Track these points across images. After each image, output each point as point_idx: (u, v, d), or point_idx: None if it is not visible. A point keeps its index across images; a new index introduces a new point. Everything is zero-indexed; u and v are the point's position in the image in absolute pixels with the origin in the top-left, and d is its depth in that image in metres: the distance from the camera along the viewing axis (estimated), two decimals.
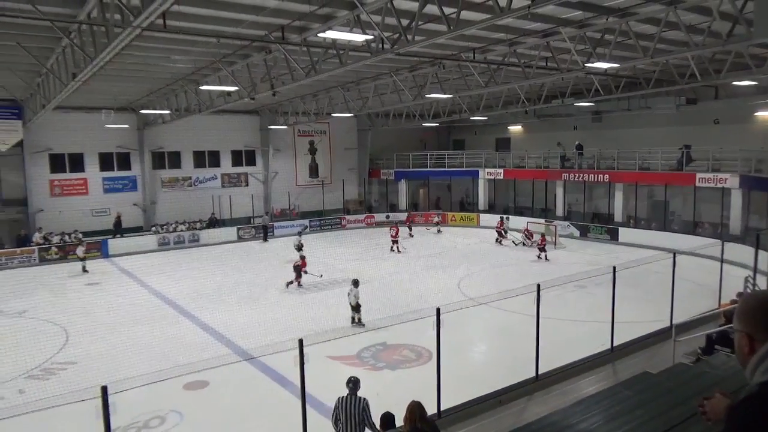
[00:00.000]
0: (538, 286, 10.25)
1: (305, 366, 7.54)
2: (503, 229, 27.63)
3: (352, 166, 36.66)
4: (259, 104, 29.03)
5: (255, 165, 33.40)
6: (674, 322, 11.87)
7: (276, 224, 31.43)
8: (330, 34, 12.42)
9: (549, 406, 8.96)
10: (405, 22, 11.74)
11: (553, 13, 13.12)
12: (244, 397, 10.72)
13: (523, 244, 26.13)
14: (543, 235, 24.24)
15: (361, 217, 34.31)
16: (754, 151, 22.22)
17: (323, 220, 33.15)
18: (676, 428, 5.60)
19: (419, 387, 9.23)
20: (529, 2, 9.17)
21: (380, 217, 34.40)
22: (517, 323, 13.37)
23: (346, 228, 33.16)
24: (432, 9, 10.92)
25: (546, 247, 23.40)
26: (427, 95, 21.35)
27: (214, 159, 32.15)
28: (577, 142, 29.46)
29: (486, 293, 14.39)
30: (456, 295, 17.16)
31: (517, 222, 28.87)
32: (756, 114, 23.54)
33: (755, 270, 14.48)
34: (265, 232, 30.55)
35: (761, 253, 14.89)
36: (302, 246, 23.65)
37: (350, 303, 14.84)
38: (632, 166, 27.15)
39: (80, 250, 23.92)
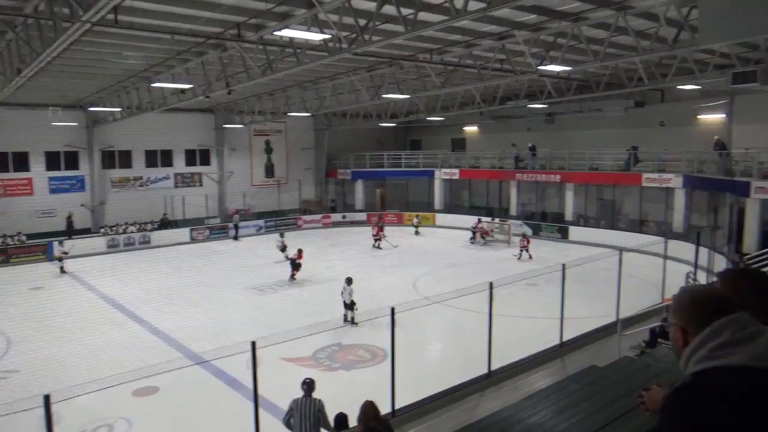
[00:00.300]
0: (491, 284, 10.44)
1: (258, 369, 7.45)
2: (479, 229, 27.78)
3: (309, 166, 36.43)
4: (214, 102, 28.50)
5: (209, 165, 32.71)
6: (620, 317, 12.28)
7: (229, 224, 30.90)
8: (287, 33, 12.32)
9: (501, 401, 9.14)
10: (363, 22, 11.75)
11: (508, 16, 13.37)
12: (196, 403, 10.50)
13: (474, 241, 26.69)
14: (525, 236, 24.48)
15: (318, 217, 34.12)
16: (696, 153, 23.20)
17: (279, 220, 32.79)
18: (620, 419, 5.79)
19: (374, 387, 9.26)
20: (485, 5, 9.33)
21: (337, 217, 34.31)
22: (471, 321, 13.56)
23: (302, 228, 32.90)
24: (390, 9, 10.97)
25: (529, 248, 23.53)
26: (385, 95, 21.42)
27: (167, 158, 31.32)
28: (530, 144, 30.11)
29: (442, 292, 14.55)
30: (412, 294, 17.27)
31: (471, 221, 29.25)
32: (698, 117, 24.58)
33: (696, 266, 15.15)
34: (236, 231, 30.39)
35: (701, 249, 15.58)
36: (286, 247, 23.41)
37: (344, 301, 14.79)
38: (583, 167, 27.95)
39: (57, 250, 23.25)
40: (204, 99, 19.39)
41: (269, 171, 35.05)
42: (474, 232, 27.73)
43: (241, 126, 31.40)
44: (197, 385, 11.00)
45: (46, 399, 5.85)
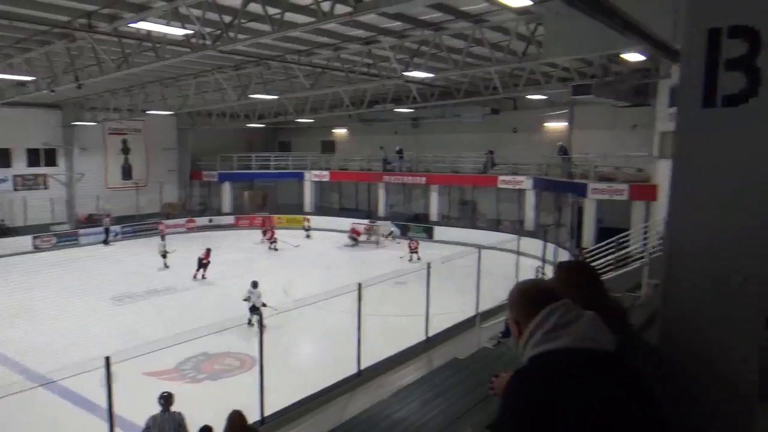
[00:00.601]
0: (359, 285, 10.60)
1: (114, 386, 6.91)
2: (363, 231, 27.83)
3: (172, 168, 34.37)
4: (62, 97, 25.75)
5: (56, 165, 29.56)
6: (479, 310, 13.10)
7: (81, 231, 28.29)
8: (144, 26, 11.56)
9: (370, 399, 9.32)
10: (228, 18, 11.37)
11: (374, 22, 13.68)
12: (40, 430, 9.45)
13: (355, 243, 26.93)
14: (413, 239, 24.79)
15: (182, 221, 32.33)
16: (544, 157, 25.46)
17: (137, 225, 30.57)
18: (479, 405, 6.19)
19: (243, 395, 9.01)
20: (351, 9, 9.47)
21: (203, 221, 32.78)
22: (341, 322, 13.68)
23: (165, 233, 30.93)
24: (256, 8, 10.72)
25: (418, 250, 23.43)
26: (252, 95, 20.89)
27: (5, 158, 27.70)
28: (397, 147, 31.08)
29: (312, 294, 14.50)
30: (282, 298, 17.00)
31: (343, 223, 29.52)
32: (545, 124, 27.02)
33: (544, 260, 16.62)
34: (107, 235, 28.37)
35: (549, 245, 17.13)
36: (167, 252, 22.18)
37: (255, 305, 14.39)
38: (445, 169, 29.43)
39: None
40: (49, 93, 17.52)
41: (127, 173, 32.52)
42: (354, 237, 27.84)
43: (94, 124, 28.73)
44: (42, 411, 9.88)
45: None
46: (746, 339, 2.02)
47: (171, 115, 28.90)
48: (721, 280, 2.02)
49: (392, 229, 28.70)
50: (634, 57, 14.05)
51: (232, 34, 11.28)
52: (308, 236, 30.06)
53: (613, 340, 1.60)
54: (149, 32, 12.74)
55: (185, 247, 24.83)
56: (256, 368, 9.48)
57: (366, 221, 29.53)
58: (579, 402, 1.44)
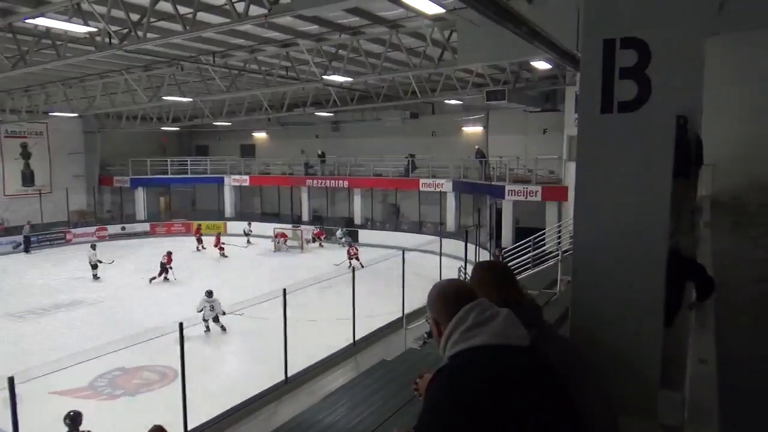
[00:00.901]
0: (284, 291, 10.47)
1: (20, 407, 6.42)
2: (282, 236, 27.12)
3: (79, 173, 32.32)
4: None
5: None
6: (405, 312, 13.28)
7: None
8: (42, 22, 10.81)
9: (298, 405, 9.21)
10: (135, 17, 10.87)
11: (290, 24, 13.55)
12: None
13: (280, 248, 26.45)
14: (352, 245, 24.11)
15: (92, 229, 30.50)
16: (462, 160, 26.19)
17: (42, 234, 28.52)
18: (406, 406, 6.27)
19: (165, 410, 8.65)
20: (266, 11, 9.33)
21: (115, 228, 31.08)
22: (266, 329, 13.44)
23: (72, 243, 29.09)
24: (166, 6, 10.31)
25: (359, 256, 22.31)
26: (165, 97, 20.08)
27: None
28: (319, 150, 30.92)
29: (236, 302, 14.12)
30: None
31: (265, 228, 28.94)
32: (463, 128, 27.82)
33: (465, 260, 17.09)
34: (27, 243, 26.79)
35: (470, 246, 17.64)
36: (98, 263, 21.03)
37: (211, 317, 14.39)
38: (368, 173, 29.60)
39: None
40: None
41: (28, 179, 30.26)
42: (277, 241, 27.30)
43: None
44: None
45: None
46: (648, 330, 2.18)
47: (77, 117, 27.20)
48: (622, 275, 2.17)
49: (342, 236, 27.71)
50: (542, 65, 14.79)
51: (140, 33, 10.79)
52: (249, 242, 28.74)
53: (527, 336, 1.66)
54: (48, 29, 11.95)
55: (82, 258, 23.52)
56: (178, 380, 9.12)
57: (289, 226, 29.15)
58: (496, 396, 1.49)
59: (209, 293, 14.50)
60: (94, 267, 21.16)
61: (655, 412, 2.17)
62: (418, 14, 11.78)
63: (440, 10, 9.67)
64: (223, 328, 14.60)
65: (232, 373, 12.77)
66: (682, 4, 2.13)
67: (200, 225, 29.21)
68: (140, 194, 33.12)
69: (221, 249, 25.58)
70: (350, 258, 22.19)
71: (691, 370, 2.51)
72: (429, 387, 1.64)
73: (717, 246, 5.94)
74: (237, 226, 30.46)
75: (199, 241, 26.89)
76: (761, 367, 3.46)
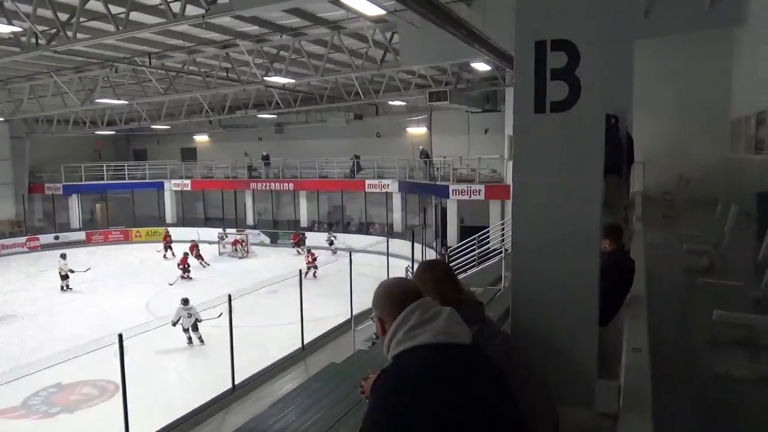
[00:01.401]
0: (229, 296, 10.27)
1: None
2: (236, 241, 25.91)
3: (6, 181, 30.51)
4: None
5: None
6: (354, 313, 13.26)
7: None
8: None
9: (247, 413, 9.05)
10: (64, 16, 10.40)
11: (229, 25, 13.31)
12: None
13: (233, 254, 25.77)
14: (310, 251, 22.11)
15: (22, 240, 28.90)
16: (407, 161, 26.41)
17: None
18: (356, 407, 6.26)
19: (105, 426, 8.30)
20: (204, 11, 9.11)
21: (47, 238, 29.56)
22: (211, 336, 13.13)
23: (1, 254, 27.51)
24: (97, 6, 9.90)
25: (316, 264, 20.88)
26: (98, 100, 19.28)
27: None
28: (264, 152, 30.47)
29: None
30: (145, 315, 15.89)
31: (209, 234, 28.22)
32: (407, 129, 28.05)
33: (412, 260, 17.23)
34: None
35: (416, 246, 17.81)
36: (70, 272, 19.77)
37: (190, 325, 13.48)
38: (313, 175, 29.39)
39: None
40: None
41: None
42: (234, 248, 26.41)
43: None
44: None
45: None
46: (584, 323, 2.25)
47: (2, 122, 25.74)
48: (558, 270, 2.24)
49: (332, 238, 25.90)
50: (482, 66, 15.12)
51: (69, 34, 10.31)
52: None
53: (469, 333, 1.69)
54: None
55: (11, 270, 22.39)
56: (119, 394, 8.77)
57: (234, 230, 28.52)
58: (438, 394, 1.50)
59: (185, 301, 13.52)
60: (65, 278, 19.74)
61: (593, 402, 2.25)
62: (359, 16, 11.83)
63: (381, 12, 9.75)
64: (201, 340, 13.67)
65: (177, 384, 12.40)
66: (609, 9, 2.22)
67: (168, 230, 27.63)
68: (74, 201, 31.64)
69: (200, 258, 23.45)
70: (309, 264, 20.77)
71: (626, 359, 2.63)
72: (373, 387, 1.65)
73: (649, 239, 6.24)
74: (179, 233, 29.58)
75: (168, 248, 25.50)
76: (691, 352, 3.66)
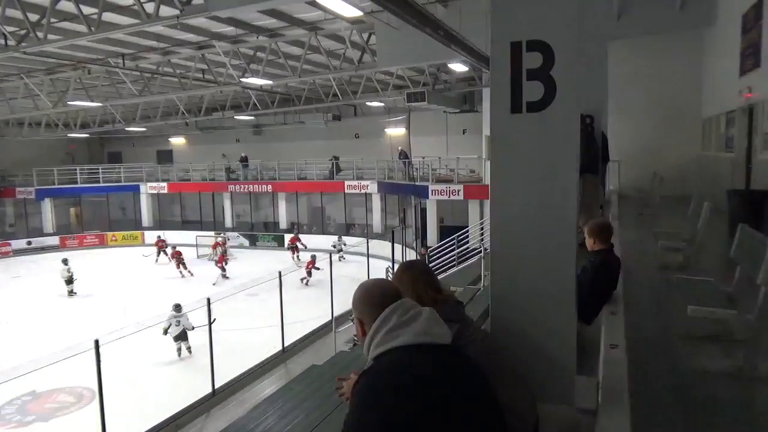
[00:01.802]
0: (208, 300, 10.17)
1: None
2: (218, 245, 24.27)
3: None
4: None
5: None
6: (334, 315, 13.22)
7: None
8: None
9: (227, 417, 8.96)
10: (35, 17, 10.19)
11: (205, 26, 13.19)
12: None
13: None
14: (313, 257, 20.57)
15: None
16: (386, 161, 26.43)
17: None
18: (338, 409, 6.24)
19: None
20: (178, 12, 9.00)
21: (20, 243, 28.91)
22: (191, 341, 12.97)
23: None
24: (68, 6, 9.72)
25: (312, 272, 19.51)
26: (71, 102, 18.92)
27: None
28: (242, 154, 30.23)
29: (156, 314, 13.51)
30: (121, 320, 15.62)
31: (187, 237, 27.86)
32: (386, 130, 28.09)
33: (393, 260, 17.27)
34: None
35: (396, 246, 17.84)
36: (72, 278, 19.37)
37: (185, 330, 12.66)
38: (292, 177, 29.24)
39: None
40: None
41: None
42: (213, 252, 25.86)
43: None
44: None
45: None
46: (562, 320, 2.28)
47: None
48: (535, 269, 2.26)
49: (341, 246, 24.05)
50: (459, 67, 15.20)
51: (40, 35, 10.10)
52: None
53: (449, 333, 1.70)
54: None
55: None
56: (96, 401, 8.61)
57: (212, 233, 28.19)
58: (419, 394, 1.51)
59: (177, 307, 12.66)
60: (69, 282, 19.26)
61: (572, 398, 2.28)
62: (337, 17, 11.82)
63: (358, 13, 9.74)
64: (189, 350, 12.89)
65: (156, 389, 12.19)
66: (583, 11, 2.25)
67: (160, 236, 26.21)
68: (47, 206, 31.02)
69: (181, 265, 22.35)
70: (309, 270, 19.58)
71: (604, 356, 2.67)
72: (354, 389, 1.65)
73: (624, 237, 6.33)
74: (156, 236, 29.19)
75: (162, 252, 24.51)
76: (668, 347, 3.73)
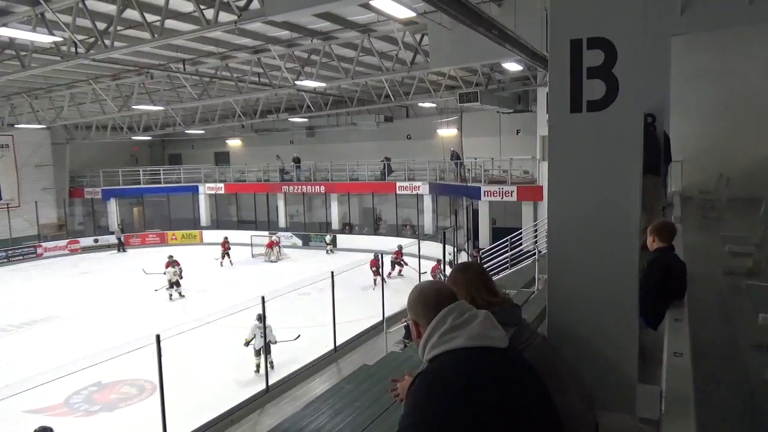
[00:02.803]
0: (263, 298, 10.38)
1: None
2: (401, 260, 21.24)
3: (48, 186, 31.60)
4: None
5: None
6: (385, 315, 13.26)
7: None
8: (5, 32, 10.60)
9: (281, 414, 9.13)
10: (102, 25, 10.70)
11: (261, 30, 13.49)
12: None
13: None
14: (399, 248, 20.39)
15: (64, 243, 29.86)
16: (438, 162, 26.30)
17: (11, 250, 27.83)
18: (389, 410, 6.25)
19: (144, 424, 8.50)
20: (236, 18, 9.26)
21: (87, 241, 30.46)
22: (243, 338, 13.29)
23: (43, 257, 28.47)
24: (133, 14, 10.17)
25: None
26: (135, 106, 19.78)
27: None
28: (294, 155, 30.78)
29: (213, 311, 13.94)
30: (181, 317, 16.21)
31: (242, 236, 28.61)
32: (437, 131, 27.96)
33: (444, 262, 17.15)
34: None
35: (448, 247, 17.72)
36: (179, 279, 19.16)
37: (269, 343, 11.79)
38: (344, 177, 29.54)
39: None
40: None
41: None
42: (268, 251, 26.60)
43: None
44: None
45: None
46: (624, 326, 2.20)
47: (44, 128, 26.65)
48: (596, 272, 2.19)
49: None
50: (513, 66, 14.97)
51: (107, 42, 10.61)
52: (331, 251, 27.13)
53: (505, 336, 1.67)
54: (12, 39, 11.71)
55: (53, 273, 23.01)
56: (157, 394, 8.96)
57: (266, 233, 28.86)
58: (475, 398, 1.49)
59: (260, 317, 11.67)
60: (175, 285, 18.96)
61: (633, 407, 2.20)
62: (389, 18, 11.85)
63: (411, 14, 9.75)
64: (272, 365, 11.82)
65: (213, 384, 12.58)
66: (645, 5, 2.17)
67: (227, 237, 25.73)
68: (113, 205, 32.55)
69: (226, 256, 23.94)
70: (396, 262, 19.41)
71: (667, 364, 2.56)
72: (409, 391, 1.64)
73: (688, 240, 6.06)
74: (213, 235, 30.11)
75: (225, 255, 24.44)
76: (736, 357, 3.54)
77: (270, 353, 11.74)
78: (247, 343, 11.86)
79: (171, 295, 18.89)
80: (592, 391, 2.08)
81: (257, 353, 11.77)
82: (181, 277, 19.27)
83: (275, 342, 11.88)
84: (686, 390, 2.24)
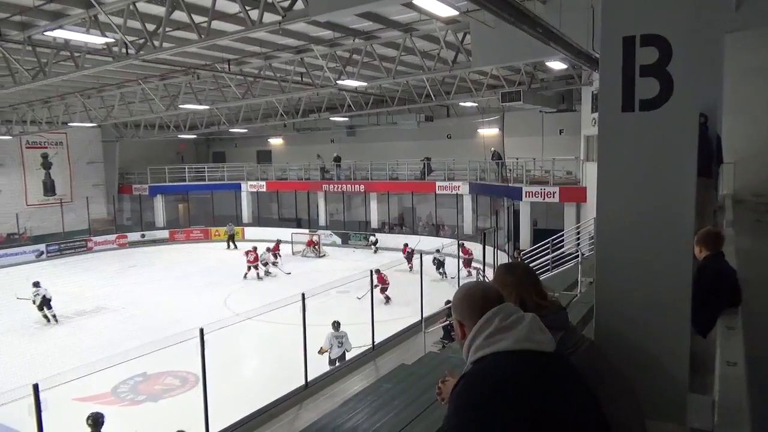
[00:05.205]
0: (303, 295, 10.49)
1: (44, 414, 6.51)
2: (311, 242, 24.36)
3: (98, 182, 32.82)
4: None
5: None
6: (424, 315, 13.22)
7: None
8: (61, 34, 11.01)
9: (319, 410, 9.20)
10: (151, 27, 11.01)
11: (304, 30, 13.63)
12: None
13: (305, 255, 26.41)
14: (463, 246, 19.93)
15: (112, 237, 30.96)
16: (478, 162, 26.08)
17: (64, 243, 29.01)
18: (427, 410, 6.22)
19: (187, 415, 8.71)
20: (280, 18, 9.38)
21: (134, 236, 31.48)
22: (284, 334, 13.44)
23: (93, 251, 29.57)
24: (181, 16, 10.43)
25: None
26: (181, 105, 20.30)
27: None
28: (335, 154, 31.03)
29: (254, 307, 14.19)
30: (223, 312, 16.57)
31: (283, 234, 29.01)
32: (479, 130, 27.71)
33: (484, 263, 16.99)
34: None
35: (488, 248, 17.54)
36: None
37: (337, 357, 11.67)
38: (384, 177, 29.61)
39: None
40: None
41: (49, 188, 30.79)
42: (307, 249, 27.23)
43: (9, 137, 27.08)
44: None
45: None
46: (675, 332, 2.13)
47: (95, 127, 27.66)
48: (647, 276, 2.13)
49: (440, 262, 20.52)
50: (557, 65, 14.69)
51: (156, 43, 10.91)
52: (376, 250, 27.22)
53: (552, 340, 1.64)
54: (67, 41, 12.17)
55: (101, 266, 23.76)
56: (199, 386, 9.17)
57: (306, 231, 29.24)
58: (520, 402, 1.47)
59: (337, 325, 11.56)
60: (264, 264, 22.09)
61: (684, 417, 2.12)
62: (432, 17, 11.80)
63: (453, 13, 9.67)
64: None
65: (254, 378, 12.84)
66: (700, 1, 2.10)
67: (279, 241, 25.53)
68: (159, 202, 33.56)
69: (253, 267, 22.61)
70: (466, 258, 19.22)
71: (720, 373, 2.46)
72: (454, 392, 1.63)
73: (740, 245, 5.82)
74: (254, 233, 30.66)
75: (276, 256, 23.94)
76: None
77: (345, 359, 11.62)
78: (321, 352, 11.51)
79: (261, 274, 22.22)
80: (641, 399, 2.02)
81: (331, 362, 11.59)
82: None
83: (349, 350, 11.76)
84: (741, 401, 2.15)
